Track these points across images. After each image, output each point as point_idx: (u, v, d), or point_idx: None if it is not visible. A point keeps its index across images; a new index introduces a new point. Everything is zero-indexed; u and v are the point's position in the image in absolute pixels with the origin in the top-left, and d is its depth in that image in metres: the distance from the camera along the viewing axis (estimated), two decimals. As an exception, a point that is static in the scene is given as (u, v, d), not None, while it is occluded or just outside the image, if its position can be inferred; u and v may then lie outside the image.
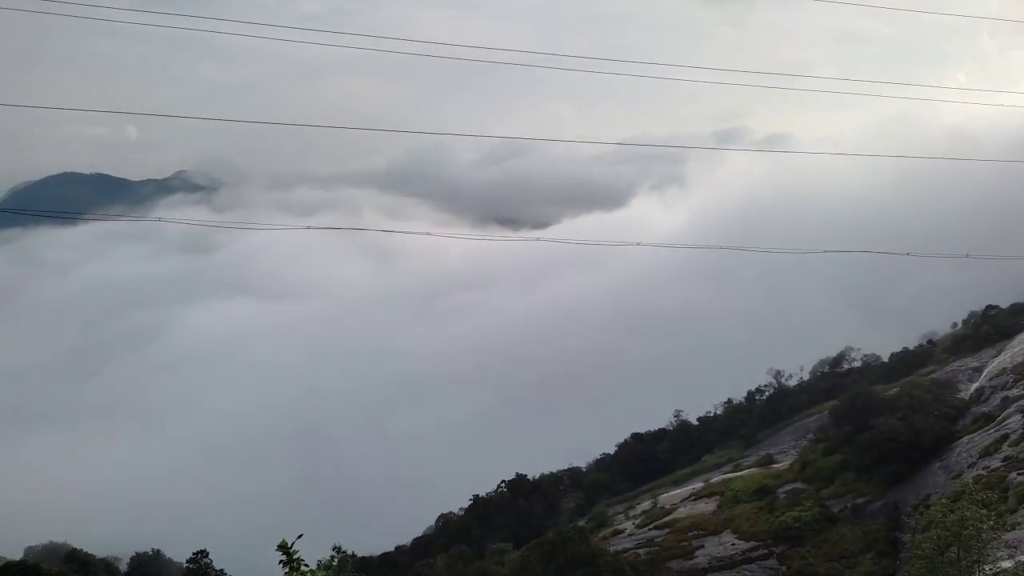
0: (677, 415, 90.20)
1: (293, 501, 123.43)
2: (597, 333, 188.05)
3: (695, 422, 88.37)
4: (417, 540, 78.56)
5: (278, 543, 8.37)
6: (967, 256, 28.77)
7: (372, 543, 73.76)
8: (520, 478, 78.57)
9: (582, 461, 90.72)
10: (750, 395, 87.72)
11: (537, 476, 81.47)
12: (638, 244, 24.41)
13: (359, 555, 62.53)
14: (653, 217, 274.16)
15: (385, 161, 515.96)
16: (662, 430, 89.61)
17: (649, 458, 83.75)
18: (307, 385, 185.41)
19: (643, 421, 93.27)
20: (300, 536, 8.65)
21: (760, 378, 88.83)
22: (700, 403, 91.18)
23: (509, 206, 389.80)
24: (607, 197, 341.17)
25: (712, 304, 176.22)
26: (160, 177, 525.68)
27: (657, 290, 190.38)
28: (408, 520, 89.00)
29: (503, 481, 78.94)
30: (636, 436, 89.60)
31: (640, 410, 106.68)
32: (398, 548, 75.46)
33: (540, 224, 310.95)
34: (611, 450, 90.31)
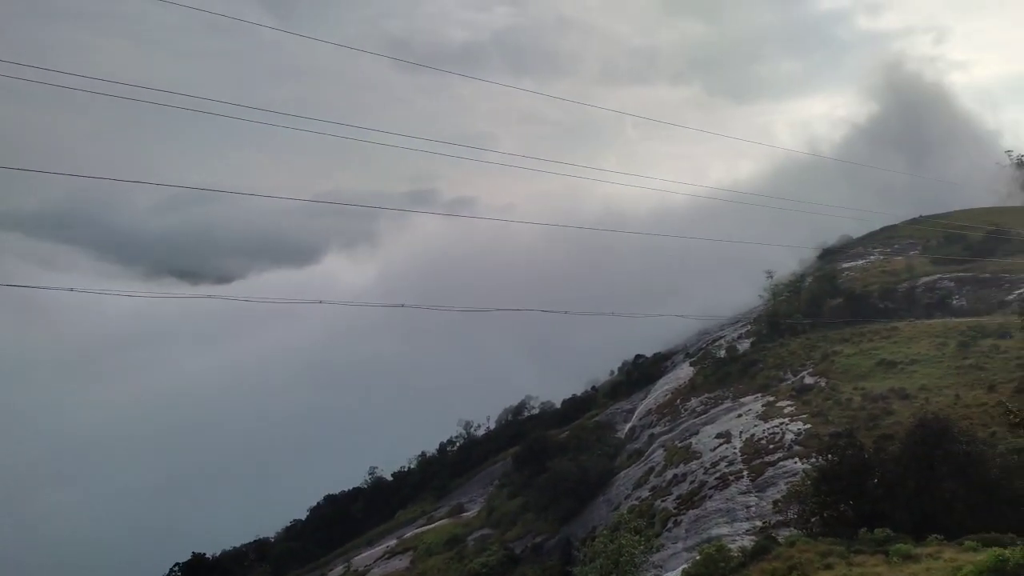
0: (372, 472, 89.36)
1: None
2: (286, 392, 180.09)
3: (390, 478, 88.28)
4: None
5: None
6: (612, 314, 33.36)
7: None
8: (197, 557, 70.74)
9: (271, 531, 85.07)
10: (442, 446, 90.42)
11: (218, 553, 74.23)
12: (320, 302, 23.90)
13: None
14: (344, 273, 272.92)
15: (36, 202, 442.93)
16: (357, 489, 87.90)
17: (343, 520, 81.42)
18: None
19: (337, 481, 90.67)
20: None
21: (451, 429, 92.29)
22: (395, 458, 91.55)
23: (189, 258, 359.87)
24: (298, 252, 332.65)
25: (404, 359, 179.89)
26: None
27: (348, 347, 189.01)
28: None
29: (177, 564, 70.40)
30: (329, 498, 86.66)
31: (334, 470, 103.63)
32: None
33: (224, 278, 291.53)
34: (302, 515, 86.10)
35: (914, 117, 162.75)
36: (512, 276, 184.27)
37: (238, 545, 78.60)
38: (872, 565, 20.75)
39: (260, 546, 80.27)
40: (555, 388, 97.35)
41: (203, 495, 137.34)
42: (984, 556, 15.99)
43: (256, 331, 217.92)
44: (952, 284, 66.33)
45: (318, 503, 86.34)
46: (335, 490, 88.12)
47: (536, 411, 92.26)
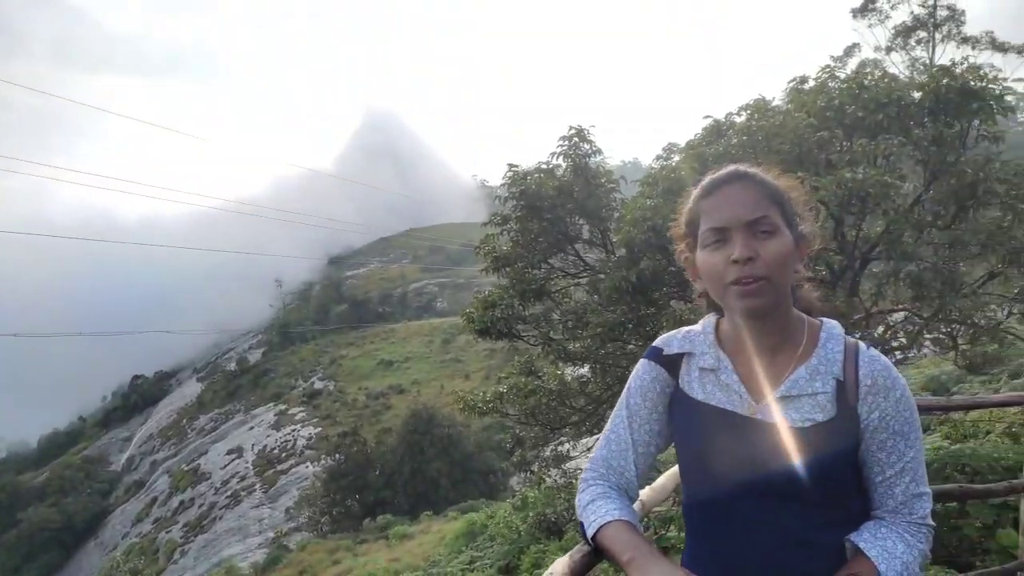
0: None
1: None
2: None
3: None
4: None
5: None
6: (80, 334, 29.71)
7: None
8: None
9: None
10: None
11: None
12: None
13: None
14: None
15: None
16: None
17: None
18: None
19: None
20: None
21: None
22: None
23: None
24: None
25: None
26: None
27: None
28: None
29: None
30: None
31: None
32: None
33: None
34: None
35: (384, 134, 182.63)
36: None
37: None
38: (375, 551, 22.35)
39: None
40: (29, 425, 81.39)
41: None
42: (460, 523, 18.57)
43: None
44: (437, 289, 76.44)
45: None
46: None
47: (3, 455, 76.07)
